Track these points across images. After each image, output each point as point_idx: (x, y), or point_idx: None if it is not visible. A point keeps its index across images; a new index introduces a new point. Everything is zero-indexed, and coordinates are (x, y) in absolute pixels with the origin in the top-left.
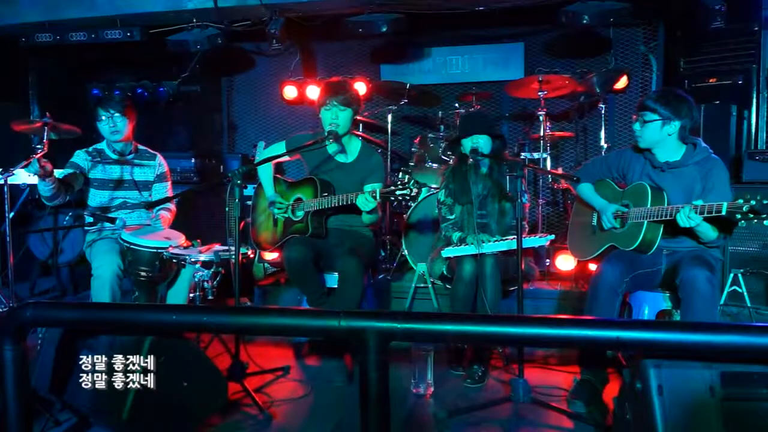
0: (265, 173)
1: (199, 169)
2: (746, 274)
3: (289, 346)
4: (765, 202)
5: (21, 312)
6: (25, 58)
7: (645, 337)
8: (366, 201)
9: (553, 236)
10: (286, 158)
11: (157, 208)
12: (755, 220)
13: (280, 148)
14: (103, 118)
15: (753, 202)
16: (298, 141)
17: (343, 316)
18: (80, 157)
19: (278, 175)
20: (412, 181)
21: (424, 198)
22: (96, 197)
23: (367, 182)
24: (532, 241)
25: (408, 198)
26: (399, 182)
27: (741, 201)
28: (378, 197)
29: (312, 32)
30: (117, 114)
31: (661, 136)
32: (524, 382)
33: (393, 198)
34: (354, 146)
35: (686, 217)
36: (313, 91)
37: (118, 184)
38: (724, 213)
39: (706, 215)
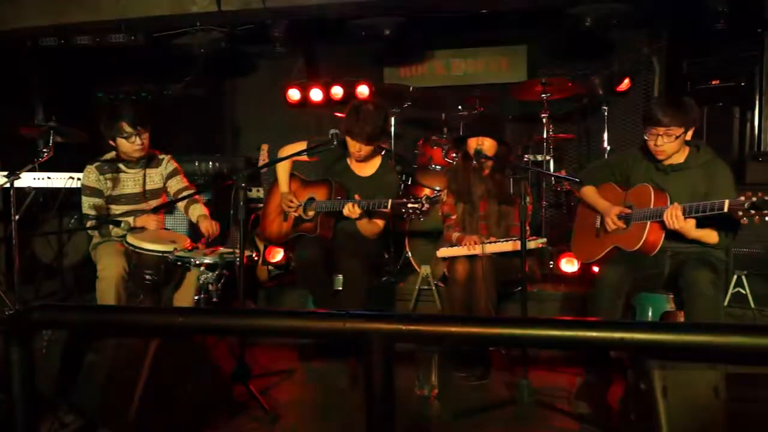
0: (282, 169)
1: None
2: (750, 276)
3: (293, 348)
4: (767, 198)
5: (27, 314)
6: (30, 61)
7: (649, 338)
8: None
9: (545, 238)
10: (304, 158)
11: (187, 201)
12: (757, 217)
13: (300, 147)
14: (128, 134)
15: (754, 199)
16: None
17: (348, 318)
18: (91, 179)
19: (296, 173)
20: (425, 197)
21: None
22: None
23: (377, 197)
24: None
25: (419, 212)
26: (412, 197)
27: (742, 198)
28: (389, 208)
29: (315, 35)
30: (142, 129)
31: (680, 147)
32: (528, 384)
33: (404, 210)
34: (373, 162)
35: (685, 217)
36: (316, 94)
37: (128, 196)
38: (726, 210)
39: (708, 213)
